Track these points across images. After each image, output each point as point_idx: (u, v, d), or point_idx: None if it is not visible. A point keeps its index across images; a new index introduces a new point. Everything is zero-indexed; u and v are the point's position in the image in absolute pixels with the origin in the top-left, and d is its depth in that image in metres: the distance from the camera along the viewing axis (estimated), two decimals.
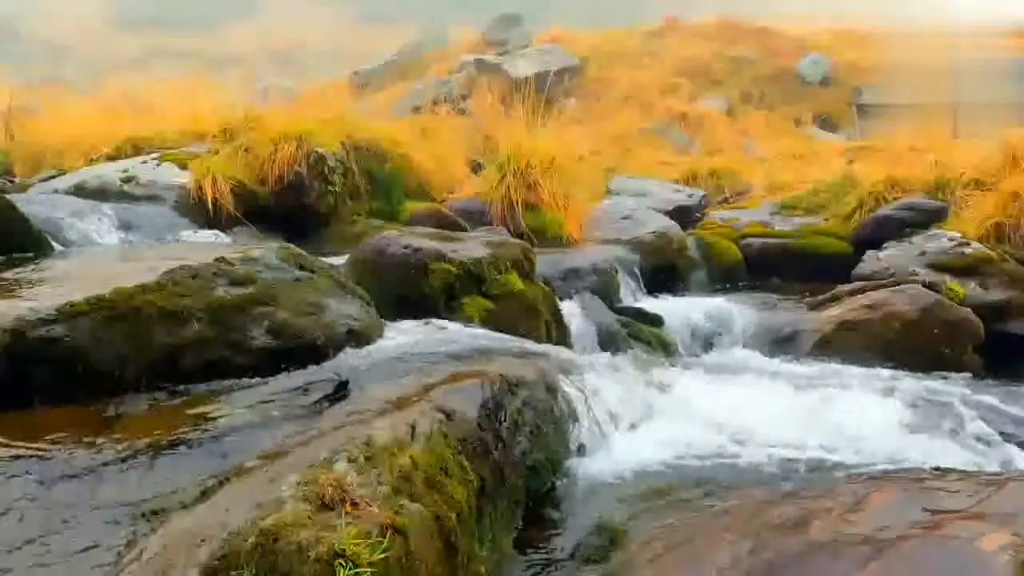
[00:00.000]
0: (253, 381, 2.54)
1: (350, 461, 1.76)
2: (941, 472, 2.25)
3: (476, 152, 7.56)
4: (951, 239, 5.10)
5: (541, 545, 2.14)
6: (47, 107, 8.36)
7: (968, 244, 4.98)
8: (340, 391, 2.42)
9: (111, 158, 5.96)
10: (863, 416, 3.06)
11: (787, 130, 15.14)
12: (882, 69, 15.70)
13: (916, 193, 6.22)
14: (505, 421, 2.33)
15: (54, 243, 3.72)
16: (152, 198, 4.93)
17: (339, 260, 3.82)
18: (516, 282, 3.68)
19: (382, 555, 1.48)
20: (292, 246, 3.34)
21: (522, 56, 16.62)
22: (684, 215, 6.93)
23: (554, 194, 5.50)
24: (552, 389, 2.64)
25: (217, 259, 2.85)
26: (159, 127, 6.57)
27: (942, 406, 3.23)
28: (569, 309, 4.09)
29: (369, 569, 1.45)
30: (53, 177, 5.59)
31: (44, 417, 2.23)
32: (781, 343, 4.36)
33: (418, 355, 2.82)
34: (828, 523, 1.90)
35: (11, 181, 6.09)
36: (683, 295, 5.29)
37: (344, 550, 1.45)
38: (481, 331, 3.32)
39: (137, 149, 6.08)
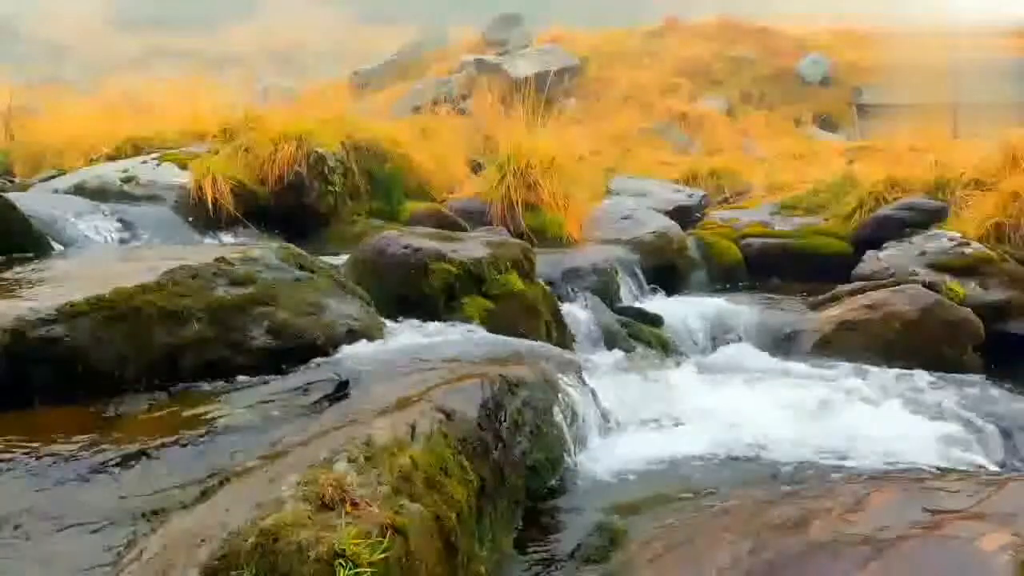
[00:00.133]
0: (253, 381, 2.54)
1: (350, 461, 1.76)
2: (941, 472, 2.26)
3: (476, 152, 7.56)
4: (951, 239, 5.10)
5: (541, 545, 2.14)
6: (47, 107, 8.36)
7: (968, 244, 4.98)
8: (340, 391, 2.42)
9: (111, 158, 5.96)
10: (863, 416, 3.07)
11: (787, 130, 15.14)
12: (882, 69, 15.70)
13: (916, 193, 6.22)
14: (505, 421, 2.33)
15: (54, 243, 3.72)
16: (152, 198, 4.93)
17: (339, 260, 3.82)
18: (516, 282, 3.68)
19: (382, 555, 1.48)
20: (292, 246, 3.34)
21: (522, 56, 16.62)
22: (684, 215, 6.93)
23: (554, 194, 5.50)
24: (552, 389, 2.64)
25: (217, 259, 2.85)
26: (159, 127, 6.57)
27: (942, 406, 3.23)
28: (569, 309, 4.09)
29: (369, 569, 1.45)
30: (53, 177, 5.58)
31: (44, 417, 2.23)
32: (781, 343, 4.36)
33: (418, 355, 2.82)
34: (828, 523, 1.90)
35: (11, 181, 6.09)
36: (683, 295, 5.29)
37: (344, 550, 1.45)
38: (481, 331, 3.32)
39: (137, 149, 6.08)
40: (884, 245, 5.40)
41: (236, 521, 1.55)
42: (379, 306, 3.25)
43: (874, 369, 3.79)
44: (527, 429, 2.41)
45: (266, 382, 2.53)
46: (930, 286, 4.49)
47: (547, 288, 3.99)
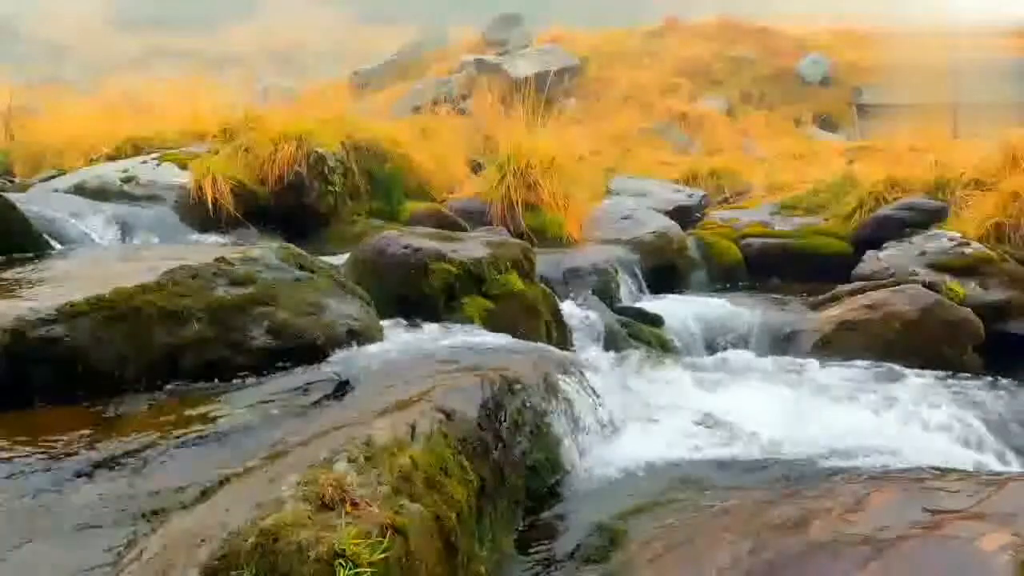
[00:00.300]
0: (253, 381, 2.54)
1: (350, 461, 1.76)
2: (941, 472, 2.25)
3: (476, 152, 7.56)
4: (951, 239, 5.10)
5: (541, 545, 2.13)
6: (47, 107, 8.36)
7: (968, 244, 4.98)
8: (340, 391, 2.42)
9: (111, 158, 5.96)
10: (863, 416, 3.07)
11: (787, 130, 15.14)
12: (882, 69, 15.71)
13: (916, 193, 6.22)
14: (505, 421, 2.33)
15: (54, 243, 3.72)
16: (152, 198, 4.93)
17: (339, 260, 3.82)
18: (516, 282, 3.68)
19: (382, 555, 1.48)
20: (292, 246, 3.34)
21: (522, 56, 16.62)
22: (684, 215, 6.93)
23: (554, 194, 5.50)
24: (552, 389, 2.64)
25: (217, 259, 2.85)
26: (159, 127, 6.57)
27: (942, 406, 3.23)
28: (569, 309, 4.09)
29: (369, 569, 1.45)
30: (53, 177, 5.59)
31: (44, 417, 2.23)
32: (781, 343, 4.36)
33: (418, 355, 2.82)
34: (828, 523, 1.90)
35: (11, 181, 6.10)
36: (683, 295, 5.29)
37: (344, 550, 1.45)
38: (481, 331, 3.32)
39: (137, 149, 6.08)
40: (884, 245, 5.40)
41: (236, 521, 1.55)
42: (379, 306, 3.25)
43: (874, 369, 3.78)
44: (527, 429, 2.41)
45: (266, 382, 2.53)
46: (930, 286, 4.49)
47: (547, 288, 3.99)
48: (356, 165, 5.75)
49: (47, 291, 2.64)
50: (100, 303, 2.45)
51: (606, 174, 8.27)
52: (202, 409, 2.29)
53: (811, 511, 1.98)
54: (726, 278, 5.99)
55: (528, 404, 2.47)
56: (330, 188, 5.45)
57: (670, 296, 5.15)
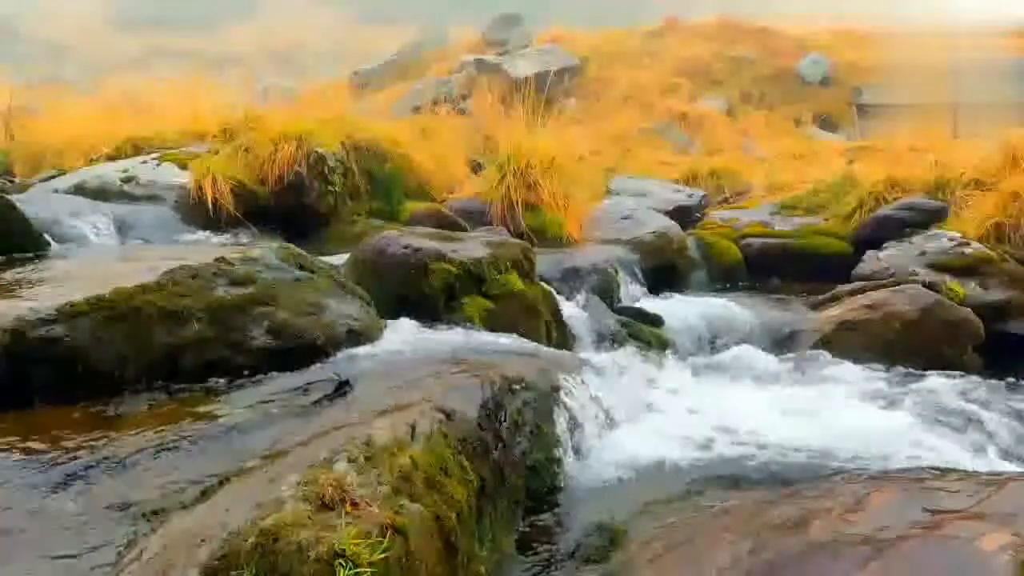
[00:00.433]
0: (253, 381, 2.54)
1: (350, 461, 1.76)
2: (941, 472, 2.25)
3: (476, 152, 7.56)
4: (951, 239, 5.10)
5: (541, 545, 2.14)
6: (47, 107, 8.36)
7: (968, 244, 4.98)
8: (340, 391, 2.42)
9: (111, 158, 5.96)
10: (863, 416, 3.07)
11: (787, 130, 15.14)
12: (882, 69, 15.70)
13: (916, 193, 6.21)
14: (505, 421, 2.33)
15: (54, 243, 3.72)
16: (152, 198, 4.93)
17: (339, 260, 3.82)
18: (516, 282, 3.68)
19: (382, 555, 1.48)
20: (292, 246, 3.34)
21: (522, 56, 16.62)
22: (684, 215, 6.92)
23: (554, 194, 5.50)
24: (552, 389, 2.64)
25: (217, 259, 2.85)
26: (159, 127, 6.57)
27: (942, 406, 3.23)
28: (569, 309, 4.09)
29: (369, 569, 1.45)
30: (53, 177, 5.58)
31: (44, 417, 2.23)
32: (781, 343, 4.36)
33: (418, 355, 2.82)
34: (828, 523, 1.90)
35: (11, 181, 6.09)
36: (683, 295, 5.28)
37: (344, 550, 1.45)
38: (481, 331, 3.32)
39: (137, 149, 6.08)
40: (884, 245, 5.40)
41: (236, 521, 1.55)
42: (379, 306, 3.25)
43: (874, 369, 3.78)
44: (527, 429, 2.41)
45: (266, 382, 2.53)
46: (930, 286, 4.48)
47: (547, 288, 3.99)
48: (356, 165, 5.75)
49: (47, 291, 2.64)
50: (100, 303, 2.45)
51: (606, 174, 8.27)
52: (202, 409, 2.29)
53: (811, 511, 1.98)
54: (726, 278, 5.98)
55: (528, 404, 2.47)
56: (330, 188, 5.44)
57: (670, 296, 5.15)
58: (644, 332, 4.26)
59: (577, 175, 5.99)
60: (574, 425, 2.62)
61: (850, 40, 18.19)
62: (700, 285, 5.79)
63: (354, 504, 1.58)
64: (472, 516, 1.94)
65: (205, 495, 1.81)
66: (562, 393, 2.67)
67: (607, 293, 4.59)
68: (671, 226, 5.84)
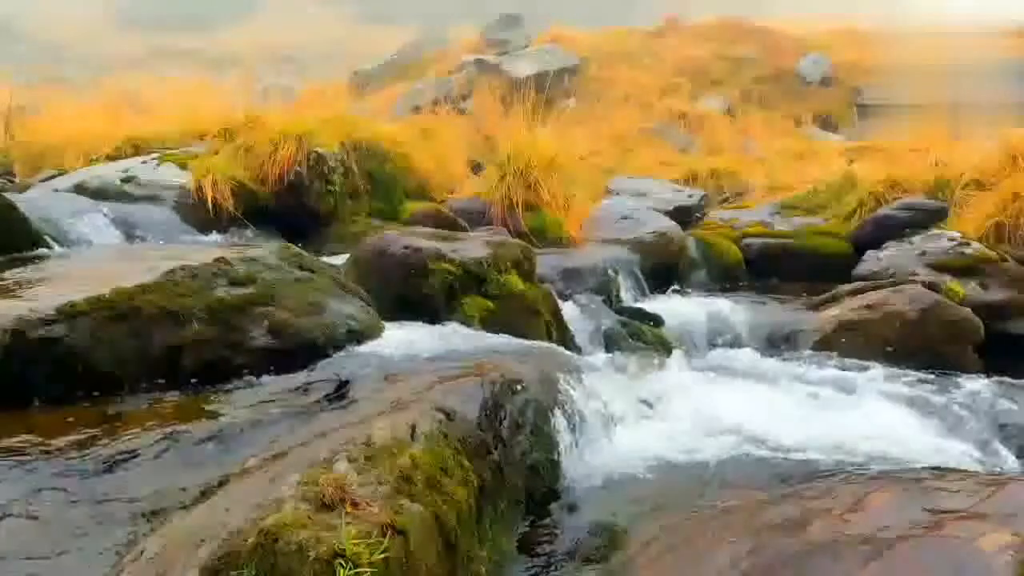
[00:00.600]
0: (253, 381, 2.54)
1: (350, 461, 1.76)
2: (941, 472, 2.25)
3: (476, 152, 7.56)
4: (951, 239, 5.10)
5: (541, 545, 2.14)
6: (47, 107, 8.36)
7: (968, 244, 4.98)
8: (340, 391, 2.42)
9: (111, 158, 5.96)
10: (863, 416, 3.06)
11: (787, 130, 15.12)
12: (882, 69, 15.70)
13: (916, 193, 6.21)
14: (505, 421, 2.33)
15: (54, 243, 3.72)
16: (152, 198, 4.93)
17: (339, 260, 3.82)
18: (516, 282, 3.68)
19: (382, 555, 1.48)
20: (292, 246, 3.35)
21: (522, 56, 16.61)
22: (684, 215, 6.92)
23: (554, 194, 5.50)
24: (552, 389, 2.64)
25: (217, 259, 2.85)
26: (159, 127, 6.57)
27: (942, 406, 3.23)
28: (569, 309, 4.09)
29: (369, 569, 1.45)
30: (53, 177, 5.59)
31: (44, 417, 2.23)
32: (781, 343, 4.36)
33: (418, 355, 2.82)
34: (828, 523, 1.90)
35: (11, 181, 6.10)
36: (683, 295, 5.29)
37: (344, 550, 1.45)
38: (481, 331, 3.32)
39: (137, 149, 6.08)
40: (884, 245, 5.39)
41: (236, 521, 1.55)
42: (379, 306, 3.25)
43: (874, 369, 3.78)
44: (527, 429, 2.41)
45: (266, 382, 2.53)
46: (930, 286, 4.48)
47: (547, 288, 3.99)
48: (356, 165, 5.75)
49: (47, 291, 2.64)
50: (100, 303, 2.45)
51: (606, 174, 8.27)
52: (202, 409, 2.29)
53: (811, 511, 1.98)
54: (726, 278, 5.98)
55: (528, 404, 2.47)
56: (330, 188, 5.45)
57: (670, 296, 5.15)
58: (644, 332, 4.26)
59: (577, 175, 5.99)
60: (574, 425, 2.62)
61: (850, 40, 18.18)
62: (700, 285, 5.79)
63: (354, 504, 1.58)
64: (472, 516, 1.94)
65: (205, 495, 1.81)
66: (562, 393, 2.66)
67: (607, 293, 4.60)
68: (671, 226, 5.84)
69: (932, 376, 3.67)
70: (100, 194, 4.85)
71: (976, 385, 3.56)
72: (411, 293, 3.44)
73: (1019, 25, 16.69)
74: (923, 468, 2.35)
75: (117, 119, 7.07)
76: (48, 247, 3.58)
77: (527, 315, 3.63)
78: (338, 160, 5.56)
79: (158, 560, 1.55)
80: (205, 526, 1.60)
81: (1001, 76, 13.63)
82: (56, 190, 4.98)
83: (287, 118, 5.89)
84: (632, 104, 15.82)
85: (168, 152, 5.71)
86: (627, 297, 4.83)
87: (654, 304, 4.77)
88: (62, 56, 26.27)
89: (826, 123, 16.06)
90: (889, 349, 4.06)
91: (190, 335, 2.56)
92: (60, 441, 2.06)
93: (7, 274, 2.94)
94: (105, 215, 4.48)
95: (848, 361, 3.94)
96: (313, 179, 5.37)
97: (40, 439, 2.06)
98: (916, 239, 5.32)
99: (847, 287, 4.77)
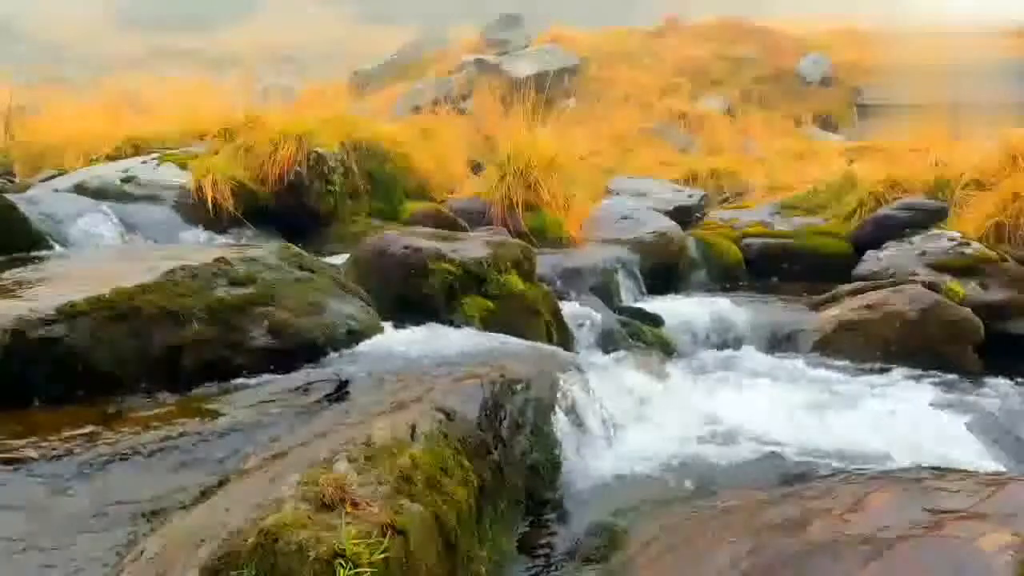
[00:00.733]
0: (253, 381, 2.54)
1: (350, 461, 1.76)
2: (941, 472, 2.25)
3: (476, 152, 7.56)
4: (951, 239, 5.10)
5: (541, 545, 2.14)
6: (47, 107, 8.36)
7: (968, 244, 4.98)
8: (340, 391, 2.42)
9: (111, 158, 5.96)
10: (863, 416, 3.06)
11: (787, 130, 15.12)
12: (882, 69, 15.70)
13: (916, 193, 6.21)
14: (505, 421, 2.33)
15: (54, 243, 3.72)
16: (152, 198, 4.93)
17: (339, 260, 3.82)
18: (516, 282, 3.68)
19: (382, 555, 1.48)
20: (292, 246, 3.35)
21: (522, 56, 16.61)
22: (684, 215, 6.92)
23: (554, 194, 5.50)
24: (552, 389, 2.64)
25: (217, 259, 2.85)
26: (159, 127, 6.57)
27: (942, 406, 3.23)
28: (569, 309, 4.09)
29: (369, 569, 1.45)
30: (53, 177, 5.58)
31: (44, 416, 2.23)
32: (781, 343, 4.36)
33: (418, 355, 2.82)
34: (828, 523, 1.90)
35: (11, 181, 6.09)
36: (683, 295, 5.29)
37: (344, 550, 1.45)
38: (481, 331, 3.32)
39: (137, 149, 6.08)
40: (884, 245, 5.39)
41: (236, 521, 1.55)
42: (379, 306, 3.25)
43: (874, 369, 3.78)
44: (527, 429, 2.41)
45: (266, 382, 2.53)
46: (930, 286, 4.48)
47: (547, 288, 3.99)
48: (356, 165, 5.75)
49: (47, 291, 2.64)
50: (100, 303, 2.46)
51: (606, 174, 8.27)
52: (202, 409, 2.29)
53: (811, 511, 1.98)
54: (726, 278, 5.98)
55: (528, 404, 2.47)
56: (330, 188, 5.45)
57: (670, 296, 5.15)
58: (644, 332, 4.26)
59: (577, 175, 5.99)
60: (574, 425, 2.62)
61: (850, 40, 18.17)
62: (700, 285, 5.79)
63: (354, 504, 1.58)
64: (472, 516, 1.94)
65: (205, 495, 1.81)
66: (562, 393, 2.66)
67: (607, 293, 4.60)
68: (671, 226, 5.84)
69: (932, 376, 3.67)
70: (100, 194, 4.85)
71: (976, 385, 3.56)
72: (411, 293, 3.44)
73: (1019, 25, 16.69)
74: (923, 468, 2.35)
75: (117, 119, 7.07)
76: (48, 247, 3.58)
77: (527, 315, 3.63)
78: (338, 160, 5.56)
79: (158, 560, 1.55)
80: (205, 526, 1.60)
81: (1001, 76, 13.62)
82: (56, 190, 4.98)
83: (287, 118, 5.88)
84: (632, 104, 15.82)
85: (168, 152, 5.71)
86: (627, 297, 4.83)
87: (654, 304, 4.77)
88: (62, 56, 26.27)
89: (826, 123, 16.06)
90: (889, 349, 4.06)
91: (190, 335, 2.56)
92: (60, 441, 2.06)
93: (7, 274, 2.94)
94: (105, 215, 4.48)
95: (848, 361, 3.94)
96: (313, 179, 5.37)
97: (40, 439, 2.06)
98: (916, 239, 5.32)
99: (847, 287, 4.77)
